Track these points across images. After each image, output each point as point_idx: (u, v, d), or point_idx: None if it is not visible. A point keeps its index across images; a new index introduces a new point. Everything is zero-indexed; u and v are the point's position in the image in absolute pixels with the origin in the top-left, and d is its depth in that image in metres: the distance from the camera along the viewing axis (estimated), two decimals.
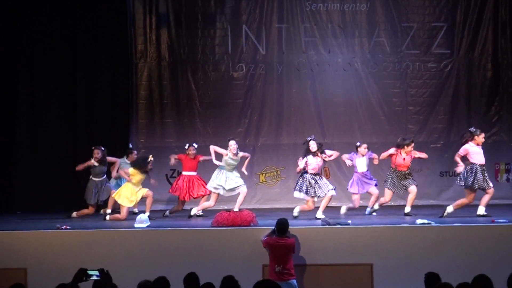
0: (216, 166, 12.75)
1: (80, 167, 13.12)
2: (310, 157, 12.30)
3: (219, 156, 12.69)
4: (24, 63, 15.09)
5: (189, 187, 13.11)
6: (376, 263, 10.29)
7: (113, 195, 12.78)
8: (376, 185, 12.89)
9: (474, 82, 15.49)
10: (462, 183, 11.94)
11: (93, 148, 13.16)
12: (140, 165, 12.70)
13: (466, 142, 12.10)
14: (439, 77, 15.49)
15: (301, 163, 12.25)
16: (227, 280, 6.31)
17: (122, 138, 15.27)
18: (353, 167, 12.92)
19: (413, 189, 12.61)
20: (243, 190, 12.53)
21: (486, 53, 15.46)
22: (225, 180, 12.54)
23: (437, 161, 15.26)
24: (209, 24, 15.43)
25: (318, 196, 12.21)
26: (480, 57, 15.46)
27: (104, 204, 13.26)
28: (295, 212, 12.24)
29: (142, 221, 11.45)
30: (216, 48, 15.48)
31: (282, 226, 9.97)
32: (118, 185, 13.23)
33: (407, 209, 12.58)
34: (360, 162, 12.89)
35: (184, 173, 13.34)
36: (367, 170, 12.91)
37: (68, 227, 11.17)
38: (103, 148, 13.17)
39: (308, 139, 12.50)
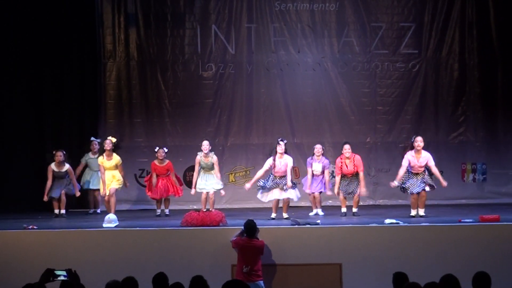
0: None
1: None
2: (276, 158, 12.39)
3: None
4: None
5: (164, 187, 13.17)
6: (345, 262, 10.34)
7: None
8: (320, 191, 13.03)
9: (442, 82, 15.60)
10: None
11: (54, 151, 13.18)
12: (100, 151, 12.86)
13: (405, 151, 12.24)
14: (407, 77, 15.58)
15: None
16: (196, 280, 6.30)
17: (90, 137, 15.16)
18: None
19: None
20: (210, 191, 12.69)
21: (453, 53, 15.57)
22: (206, 181, 12.73)
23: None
24: (178, 23, 15.39)
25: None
26: (447, 57, 15.58)
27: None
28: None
29: (111, 220, 11.40)
30: (185, 48, 15.45)
31: (250, 228, 9.99)
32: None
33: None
34: (316, 166, 13.04)
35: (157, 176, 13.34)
36: (322, 173, 13.06)
37: (35, 227, 11.08)
38: (64, 152, 13.17)
39: (279, 139, 12.63)
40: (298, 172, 15.09)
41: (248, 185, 12.77)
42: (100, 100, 15.34)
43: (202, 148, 12.76)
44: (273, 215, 12.29)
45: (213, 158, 12.84)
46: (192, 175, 13.13)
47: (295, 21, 15.49)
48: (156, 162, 13.30)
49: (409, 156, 12.10)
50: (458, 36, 15.52)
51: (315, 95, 15.52)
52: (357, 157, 12.72)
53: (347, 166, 12.62)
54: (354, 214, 12.62)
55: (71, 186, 13.17)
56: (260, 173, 12.53)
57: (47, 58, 15.07)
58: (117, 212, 12.20)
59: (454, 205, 14.51)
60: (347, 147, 12.71)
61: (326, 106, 15.53)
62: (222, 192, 12.89)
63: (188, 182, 14.42)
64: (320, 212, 12.94)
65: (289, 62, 15.51)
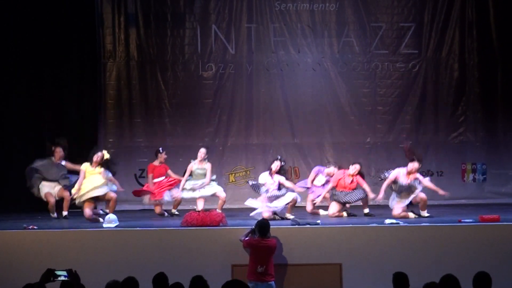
0: None
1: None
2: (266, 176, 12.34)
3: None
4: None
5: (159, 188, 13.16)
6: (345, 262, 10.33)
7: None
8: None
9: (442, 82, 15.62)
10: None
11: (53, 147, 12.93)
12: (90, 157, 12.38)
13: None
14: (407, 77, 15.59)
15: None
16: (196, 280, 6.31)
17: (90, 138, 15.16)
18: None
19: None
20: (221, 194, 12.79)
21: (453, 53, 15.59)
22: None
23: (405, 161, 15.32)
24: (178, 23, 15.40)
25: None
26: (447, 57, 15.59)
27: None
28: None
29: (111, 221, 11.38)
30: (185, 48, 15.46)
31: (263, 227, 9.96)
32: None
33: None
34: (320, 178, 13.04)
35: (154, 180, 13.28)
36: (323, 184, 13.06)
37: (35, 227, 11.06)
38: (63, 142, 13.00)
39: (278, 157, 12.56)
40: (298, 172, 15.10)
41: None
42: (100, 100, 15.34)
43: (198, 155, 12.72)
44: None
45: (207, 165, 12.81)
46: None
47: (295, 21, 15.50)
48: (155, 163, 13.28)
49: (401, 175, 12.04)
50: (458, 36, 15.53)
51: (315, 95, 15.53)
52: (360, 179, 12.61)
53: (345, 181, 12.57)
54: (366, 214, 12.56)
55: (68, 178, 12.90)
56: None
57: (47, 58, 15.06)
58: (117, 212, 12.17)
59: (454, 205, 14.50)
60: (357, 167, 12.61)
61: (326, 106, 15.54)
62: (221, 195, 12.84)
63: None
64: (324, 212, 12.91)
65: (289, 62, 15.52)
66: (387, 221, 11.04)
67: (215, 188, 12.89)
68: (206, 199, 12.86)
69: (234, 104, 15.50)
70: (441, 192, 12.23)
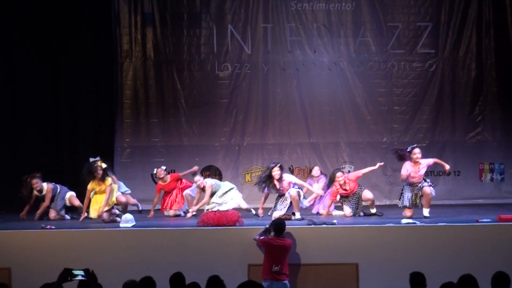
0: None
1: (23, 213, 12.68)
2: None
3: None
4: (6, 61, 15.01)
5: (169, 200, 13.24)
6: (361, 262, 10.29)
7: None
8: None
9: (459, 82, 15.56)
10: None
11: (29, 179, 12.69)
12: (88, 175, 11.95)
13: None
14: (424, 76, 15.55)
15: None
16: (212, 280, 6.31)
17: (107, 138, 15.23)
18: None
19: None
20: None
21: (470, 53, 15.53)
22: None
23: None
24: (195, 23, 15.43)
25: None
26: (464, 57, 15.53)
27: None
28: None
29: (128, 220, 11.39)
30: (201, 48, 15.48)
31: (279, 226, 9.95)
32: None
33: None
34: (316, 187, 13.05)
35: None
36: (324, 193, 13.01)
37: (52, 227, 11.11)
38: (38, 175, 12.79)
39: (272, 165, 12.17)
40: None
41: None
42: (116, 100, 15.40)
43: (194, 185, 12.67)
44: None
45: (206, 183, 12.53)
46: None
47: (311, 21, 15.49)
48: (160, 182, 13.31)
49: (408, 166, 11.92)
50: (475, 35, 15.48)
51: (331, 95, 15.52)
52: (351, 181, 12.50)
53: (343, 189, 12.48)
54: (377, 214, 12.47)
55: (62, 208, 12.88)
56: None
57: (63, 58, 15.14)
58: (134, 212, 12.22)
59: (471, 205, 14.46)
60: (339, 174, 12.48)
61: (342, 106, 15.52)
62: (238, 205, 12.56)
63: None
64: (339, 212, 12.85)
65: (305, 62, 15.51)
66: (404, 220, 11.00)
67: (237, 199, 12.56)
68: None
69: (250, 104, 15.51)
70: (446, 167, 11.99)
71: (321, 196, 13.05)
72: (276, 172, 11.98)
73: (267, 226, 10.07)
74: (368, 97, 15.51)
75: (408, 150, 11.92)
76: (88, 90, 15.33)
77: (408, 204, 11.77)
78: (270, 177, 12.05)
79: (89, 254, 10.21)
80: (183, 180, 13.42)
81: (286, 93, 15.52)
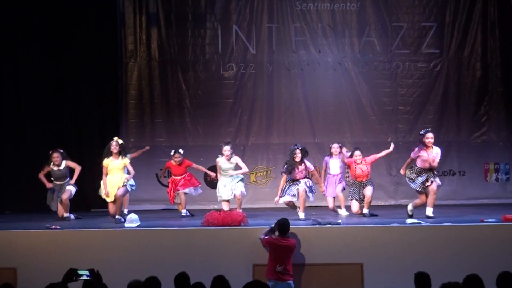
0: None
1: (41, 174, 12.93)
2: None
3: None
4: (10, 61, 15.02)
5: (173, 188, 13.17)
6: (366, 262, 10.30)
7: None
8: (343, 189, 12.90)
9: (464, 82, 15.54)
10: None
11: (50, 152, 12.95)
12: (105, 152, 12.35)
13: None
14: (429, 76, 15.53)
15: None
16: (217, 280, 6.31)
17: (112, 138, 15.18)
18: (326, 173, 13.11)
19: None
20: (236, 193, 12.51)
21: (475, 53, 15.51)
22: (224, 186, 12.59)
23: None
24: (199, 23, 15.43)
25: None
26: (469, 57, 15.51)
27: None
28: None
29: (133, 220, 11.41)
30: (206, 48, 15.48)
31: (284, 226, 9.96)
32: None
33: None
34: (333, 164, 12.96)
35: (173, 177, 13.30)
36: (340, 173, 12.94)
37: (57, 227, 11.13)
38: (61, 151, 12.97)
39: (293, 147, 12.32)
40: (319, 171, 15.08)
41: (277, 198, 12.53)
42: (121, 100, 15.41)
43: (224, 153, 12.63)
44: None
45: (235, 158, 12.72)
46: (216, 175, 13.03)
47: (315, 21, 15.48)
48: (172, 162, 13.29)
49: (421, 150, 11.87)
50: (480, 35, 15.45)
51: (336, 95, 15.51)
52: (367, 164, 12.55)
53: (361, 169, 12.49)
54: (365, 215, 12.30)
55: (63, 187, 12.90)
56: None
57: (68, 58, 15.13)
58: (138, 212, 12.22)
59: (476, 205, 14.45)
60: (357, 153, 12.55)
61: (346, 106, 15.51)
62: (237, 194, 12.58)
63: (209, 182, 14.48)
64: (344, 212, 12.84)
65: (309, 62, 15.50)
66: (409, 220, 11.01)
67: (240, 187, 12.64)
68: (230, 201, 12.72)
69: (255, 104, 15.51)
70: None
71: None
72: (297, 154, 12.09)
73: (272, 225, 10.08)
74: (372, 97, 15.50)
75: (421, 133, 11.93)
76: (92, 90, 15.32)
77: (419, 189, 11.71)
78: (293, 160, 12.14)
79: (94, 254, 10.23)
80: (192, 176, 13.33)
81: (291, 93, 15.52)
